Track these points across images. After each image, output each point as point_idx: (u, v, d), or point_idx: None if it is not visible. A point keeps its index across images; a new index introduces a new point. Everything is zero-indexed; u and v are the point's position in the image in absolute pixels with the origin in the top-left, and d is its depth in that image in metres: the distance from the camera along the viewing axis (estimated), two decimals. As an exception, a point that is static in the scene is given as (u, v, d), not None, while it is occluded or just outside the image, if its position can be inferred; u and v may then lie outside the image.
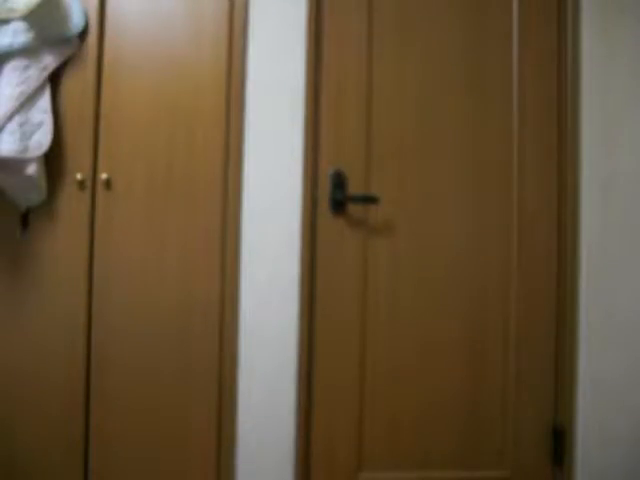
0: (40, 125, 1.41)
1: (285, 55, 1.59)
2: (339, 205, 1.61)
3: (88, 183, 1.51)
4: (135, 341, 1.51)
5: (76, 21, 1.47)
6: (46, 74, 1.43)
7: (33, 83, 1.40)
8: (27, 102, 1.39)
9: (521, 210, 1.67)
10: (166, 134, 1.54)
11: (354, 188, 1.62)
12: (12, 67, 1.38)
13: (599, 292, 1.65)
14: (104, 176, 1.51)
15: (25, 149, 1.37)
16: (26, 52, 1.40)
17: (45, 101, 1.43)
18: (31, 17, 1.39)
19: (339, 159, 1.62)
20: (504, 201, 1.67)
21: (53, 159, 1.48)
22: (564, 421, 1.64)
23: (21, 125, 1.37)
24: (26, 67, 1.39)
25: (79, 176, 1.49)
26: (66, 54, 1.48)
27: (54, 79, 1.48)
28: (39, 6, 1.38)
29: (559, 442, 1.65)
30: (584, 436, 1.63)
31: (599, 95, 1.67)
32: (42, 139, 1.40)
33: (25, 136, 1.38)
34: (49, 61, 1.44)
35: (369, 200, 1.58)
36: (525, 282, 1.66)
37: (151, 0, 1.55)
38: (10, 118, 1.36)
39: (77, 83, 1.51)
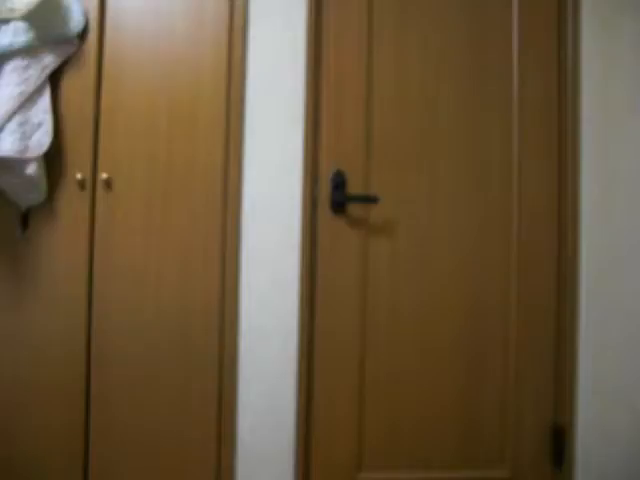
0: (40, 125, 1.41)
1: (285, 55, 1.59)
2: (339, 205, 1.60)
3: (88, 183, 1.51)
4: (135, 343, 1.51)
5: (76, 21, 1.47)
6: (46, 74, 1.43)
7: (33, 83, 1.40)
8: (27, 102, 1.39)
9: (521, 210, 1.67)
10: (166, 134, 1.54)
11: (354, 188, 1.62)
12: (12, 67, 1.38)
13: (599, 292, 1.65)
14: (104, 176, 1.51)
15: (25, 149, 1.37)
16: (26, 52, 1.40)
17: (45, 101, 1.43)
18: (31, 17, 1.39)
19: (339, 159, 1.62)
20: (504, 201, 1.67)
21: (53, 159, 1.48)
22: (564, 421, 1.64)
23: (21, 125, 1.37)
24: (26, 67, 1.39)
25: (79, 176, 1.49)
26: (66, 54, 1.48)
27: (54, 79, 1.48)
28: (39, 6, 1.38)
29: (559, 442, 1.65)
30: (584, 436, 1.63)
31: (599, 95, 1.67)
32: (42, 139, 1.40)
33: (25, 136, 1.38)
34: (49, 61, 1.44)
35: (369, 200, 1.58)
36: (525, 282, 1.66)
37: (151, 0, 1.55)
38: (10, 118, 1.36)
39: (77, 83, 1.51)
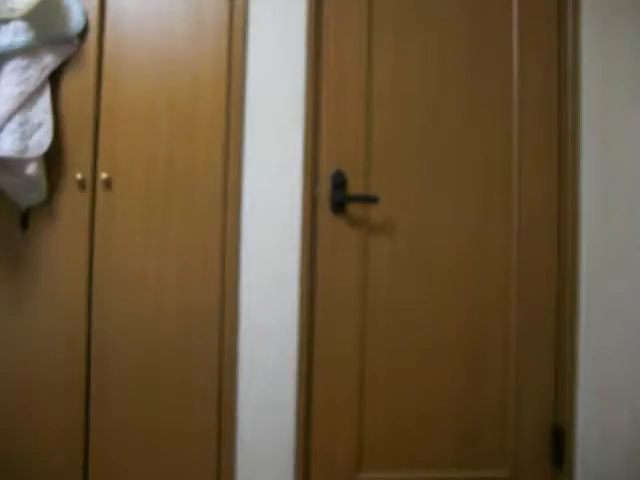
0: (40, 125, 1.41)
1: (285, 55, 1.59)
2: (339, 205, 1.60)
3: (88, 183, 1.51)
4: (135, 342, 1.51)
5: (76, 21, 1.47)
6: (46, 74, 1.43)
7: (33, 83, 1.40)
8: (27, 102, 1.39)
9: (521, 210, 1.67)
10: (166, 134, 1.54)
11: (354, 188, 1.62)
12: (12, 67, 1.38)
13: (599, 292, 1.65)
14: (104, 176, 1.51)
15: (25, 149, 1.37)
16: (26, 52, 1.40)
17: (45, 101, 1.43)
18: (31, 17, 1.39)
19: (339, 159, 1.62)
20: (504, 201, 1.67)
21: (53, 159, 1.48)
22: (564, 421, 1.64)
23: (21, 125, 1.37)
24: (26, 67, 1.39)
25: (79, 176, 1.49)
26: (66, 54, 1.48)
27: (54, 79, 1.48)
28: (39, 6, 1.38)
29: (559, 442, 1.65)
30: (584, 436, 1.63)
31: (599, 95, 1.67)
32: (42, 139, 1.40)
33: (25, 136, 1.38)
34: (49, 61, 1.44)
35: (369, 200, 1.58)
36: (525, 282, 1.66)
37: (151, 0, 1.55)
38: (10, 118, 1.36)
39: (77, 83, 1.51)
